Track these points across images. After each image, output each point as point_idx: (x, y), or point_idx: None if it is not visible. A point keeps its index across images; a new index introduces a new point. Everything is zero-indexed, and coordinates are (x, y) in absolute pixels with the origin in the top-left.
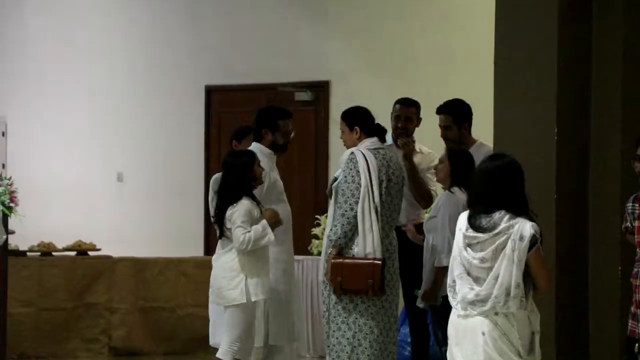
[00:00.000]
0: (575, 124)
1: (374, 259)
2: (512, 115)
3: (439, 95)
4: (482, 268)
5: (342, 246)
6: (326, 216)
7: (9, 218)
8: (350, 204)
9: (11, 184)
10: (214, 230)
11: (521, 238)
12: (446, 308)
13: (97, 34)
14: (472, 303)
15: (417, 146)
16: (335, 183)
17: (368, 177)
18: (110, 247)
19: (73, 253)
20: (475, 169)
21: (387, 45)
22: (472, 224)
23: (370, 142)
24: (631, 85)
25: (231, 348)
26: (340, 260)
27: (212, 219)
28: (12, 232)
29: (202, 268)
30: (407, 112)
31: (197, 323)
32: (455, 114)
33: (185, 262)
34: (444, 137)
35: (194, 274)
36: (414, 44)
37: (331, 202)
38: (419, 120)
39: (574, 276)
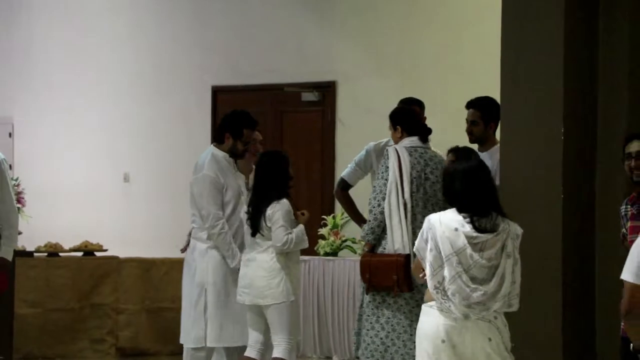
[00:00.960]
0: (582, 124)
1: (398, 254)
2: (519, 115)
3: (445, 95)
4: (485, 268)
5: (373, 243)
6: (333, 216)
7: None
8: (378, 200)
9: (18, 185)
10: None
11: (517, 237)
12: None
13: (103, 35)
14: (475, 305)
15: None
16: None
17: (397, 174)
18: (117, 247)
19: (80, 254)
20: (455, 171)
21: (394, 46)
22: (474, 224)
23: (409, 141)
24: (638, 85)
25: (289, 344)
26: (368, 257)
27: (245, 218)
28: (19, 233)
29: None
30: None
31: None
32: (485, 110)
33: None
34: (469, 132)
35: None
36: (420, 45)
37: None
38: (423, 119)
39: (581, 275)
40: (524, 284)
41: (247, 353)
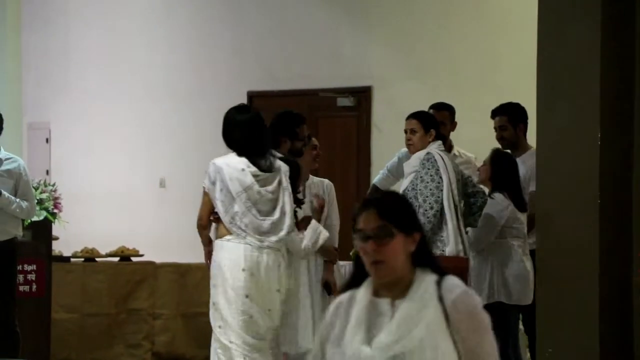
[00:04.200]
0: (618, 127)
1: (460, 257)
2: (555, 119)
3: (481, 100)
4: (269, 200)
5: None
6: None
7: (52, 224)
8: (430, 203)
9: (55, 190)
10: None
11: (287, 171)
12: (499, 313)
13: (139, 41)
14: (267, 233)
15: (455, 149)
16: (405, 188)
17: (448, 176)
18: (153, 252)
19: (116, 259)
20: (236, 121)
21: (429, 51)
22: (255, 164)
23: (438, 145)
24: None
25: None
26: None
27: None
28: (56, 238)
29: None
30: (440, 116)
31: None
32: (510, 114)
33: None
34: (500, 138)
35: None
36: (456, 49)
37: None
38: (453, 124)
39: (618, 280)
40: (562, 288)
41: None
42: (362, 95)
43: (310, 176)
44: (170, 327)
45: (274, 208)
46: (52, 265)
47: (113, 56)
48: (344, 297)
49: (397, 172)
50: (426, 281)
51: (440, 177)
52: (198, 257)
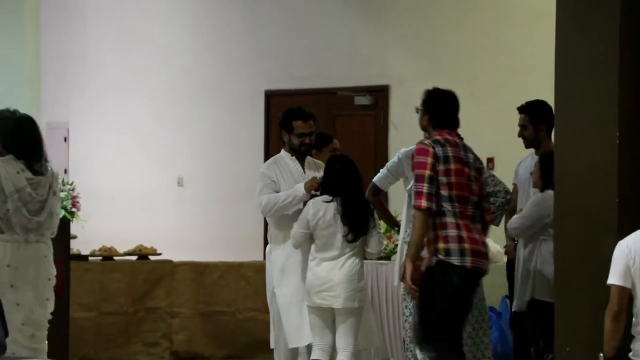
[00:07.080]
0: (637, 127)
1: None
2: (573, 118)
3: (498, 99)
4: (39, 202)
5: None
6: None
7: (71, 223)
8: None
9: (73, 189)
10: None
11: (58, 176)
12: (539, 311)
13: (157, 41)
14: (32, 230)
15: None
16: (410, 186)
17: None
18: (171, 251)
19: (134, 257)
20: (7, 126)
21: (447, 50)
22: (30, 168)
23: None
24: None
25: (355, 349)
26: None
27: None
28: (74, 237)
29: (261, 272)
30: None
31: (257, 327)
32: (532, 114)
33: (245, 266)
34: (521, 136)
35: (253, 278)
36: (473, 49)
37: (406, 205)
38: None
39: None
40: (580, 288)
41: (317, 356)
42: (380, 94)
43: None
44: (188, 326)
45: (42, 209)
46: (70, 263)
47: (131, 55)
48: None
49: (396, 172)
50: None
51: None
52: (216, 256)
